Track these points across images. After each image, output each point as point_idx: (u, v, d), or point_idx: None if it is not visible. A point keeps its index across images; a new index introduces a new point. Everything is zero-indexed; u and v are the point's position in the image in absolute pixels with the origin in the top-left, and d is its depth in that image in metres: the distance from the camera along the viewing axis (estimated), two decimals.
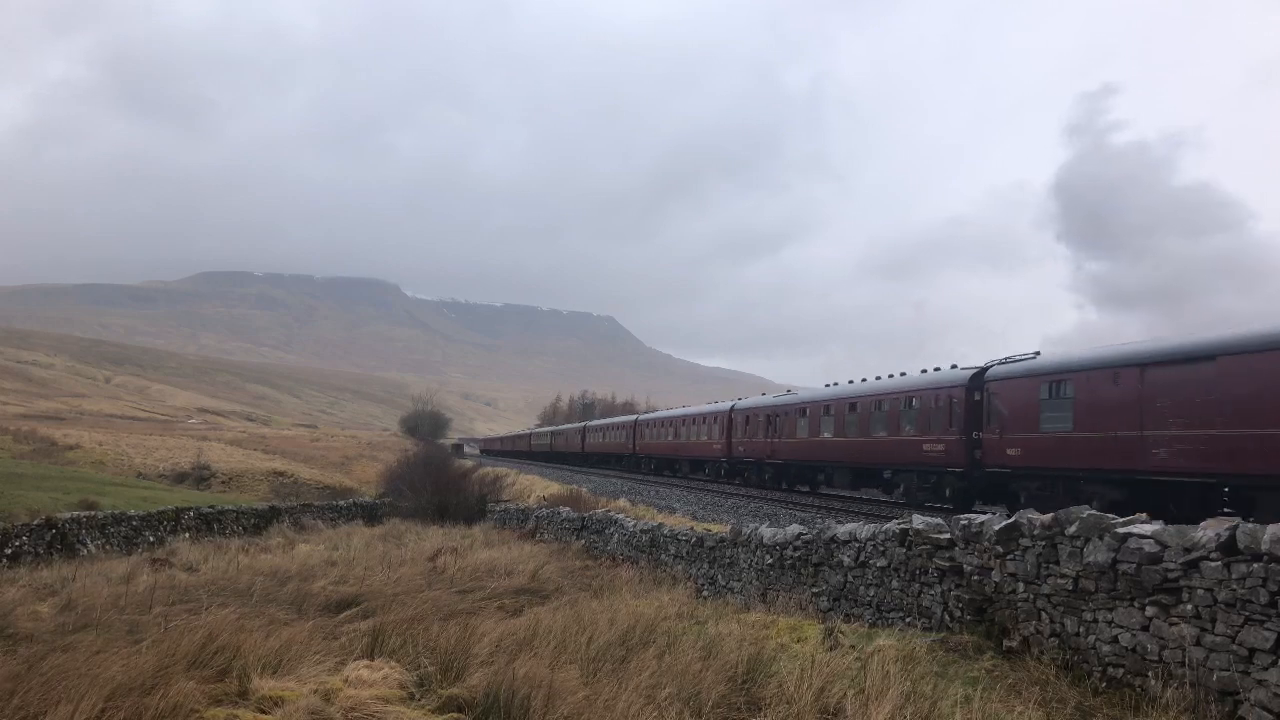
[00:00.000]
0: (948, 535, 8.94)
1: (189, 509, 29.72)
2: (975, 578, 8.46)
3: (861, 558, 10.34)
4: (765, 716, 5.99)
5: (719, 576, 14.37)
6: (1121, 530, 6.83)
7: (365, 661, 6.87)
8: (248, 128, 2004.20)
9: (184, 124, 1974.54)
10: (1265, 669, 5.62)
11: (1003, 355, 23.46)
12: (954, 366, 25.52)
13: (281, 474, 60.51)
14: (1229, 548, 5.92)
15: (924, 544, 9.20)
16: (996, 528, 8.16)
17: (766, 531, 13.05)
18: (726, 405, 42.57)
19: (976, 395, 22.93)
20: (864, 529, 10.48)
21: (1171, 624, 6.32)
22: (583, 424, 76.74)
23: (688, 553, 15.87)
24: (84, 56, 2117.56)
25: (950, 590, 8.80)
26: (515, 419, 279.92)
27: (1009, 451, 21.24)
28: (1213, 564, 6.02)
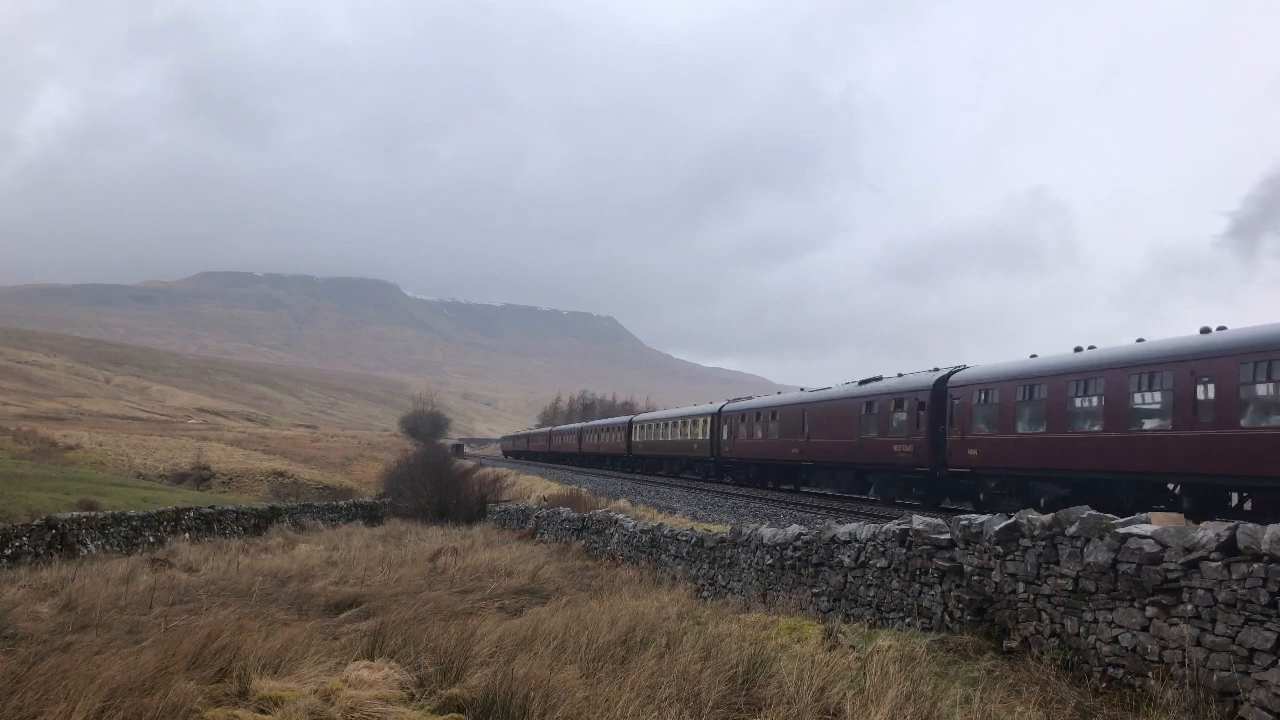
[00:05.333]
0: (948, 535, 8.94)
1: (189, 509, 29.72)
2: (975, 578, 8.46)
3: (862, 558, 10.33)
4: (765, 717, 5.99)
5: (719, 577, 14.37)
6: (1122, 530, 6.83)
7: (365, 662, 6.88)
8: (294, 138, 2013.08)
9: (232, 135, 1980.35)
10: (1265, 669, 5.62)
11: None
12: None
13: (281, 474, 60.54)
14: (1229, 548, 5.92)
15: (924, 544, 9.20)
16: (997, 528, 8.16)
17: (766, 532, 13.05)
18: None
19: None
20: (864, 529, 10.47)
21: (1172, 624, 6.32)
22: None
23: (688, 553, 15.87)
24: (152, 72, 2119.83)
25: (950, 590, 8.80)
26: (515, 419, 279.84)
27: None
28: (1213, 564, 6.02)
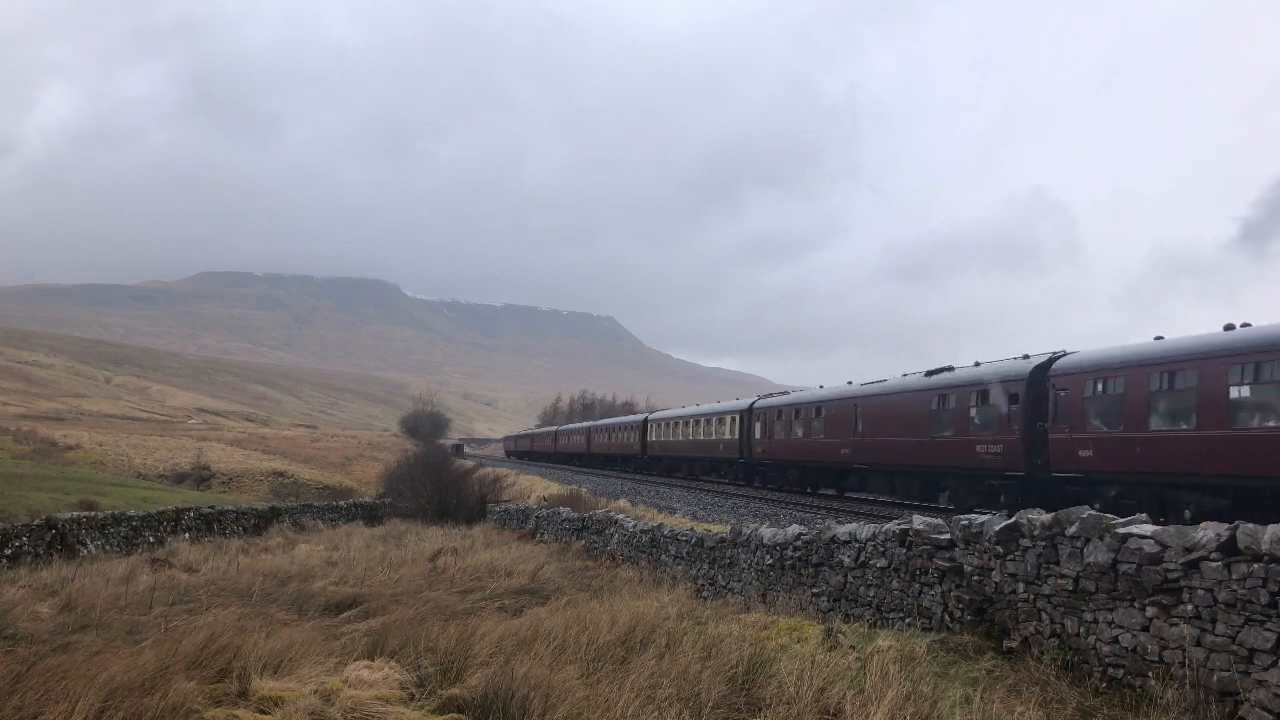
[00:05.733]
0: (948, 535, 8.94)
1: (189, 509, 29.71)
2: (975, 578, 8.46)
3: (861, 558, 10.33)
4: (765, 717, 5.99)
5: (719, 577, 14.37)
6: (1122, 530, 6.83)
7: (365, 662, 6.89)
8: (294, 138, 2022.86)
9: (233, 135, 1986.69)
10: (1265, 669, 5.62)
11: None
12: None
13: (281, 474, 60.52)
14: (1229, 548, 5.92)
15: (924, 544, 9.20)
16: (997, 528, 8.16)
17: (766, 532, 13.05)
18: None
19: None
20: (864, 529, 10.48)
21: (1172, 624, 6.32)
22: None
23: (688, 553, 15.87)
24: (153, 72, 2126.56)
25: (950, 590, 8.80)
26: (515, 419, 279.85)
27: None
28: (1213, 564, 6.01)
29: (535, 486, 45.16)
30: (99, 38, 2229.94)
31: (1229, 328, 16.65)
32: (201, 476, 55.76)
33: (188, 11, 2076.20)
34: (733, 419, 39.08)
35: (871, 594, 10.11)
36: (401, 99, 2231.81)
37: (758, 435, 36.05)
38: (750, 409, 37.37)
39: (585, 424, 78.15)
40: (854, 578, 10.47)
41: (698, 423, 44.23)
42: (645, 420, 54.97)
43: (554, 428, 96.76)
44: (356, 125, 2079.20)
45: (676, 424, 48.08)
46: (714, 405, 44.99)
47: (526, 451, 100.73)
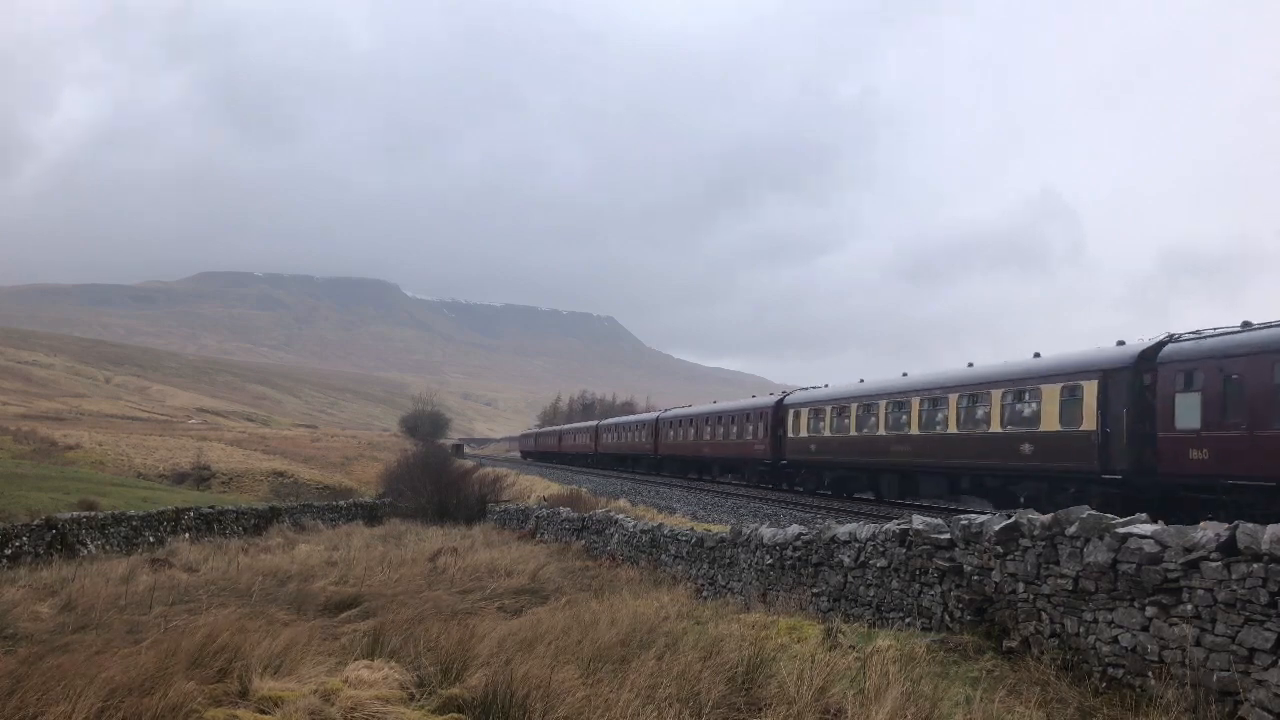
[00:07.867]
0: (948, 535, 8.94)
1: (189, 509, 29.71)
2: (975, 578, 8.46)
3: (861, 558, 10.33)
4: (765, 717, 5.99)
5: (719, 577, 14.38)
6: (1121, 530, 6.84)
7: (365, 662, 6.88)
8: (296, 139, 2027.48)
9: (234, 135, 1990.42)
10: (1265, 669, 5.62)
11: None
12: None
13: (281, 474, 60.46)
14: (1229, 548, 5.92)
15: (924, 544, 9.20)
16: (996, 528, 8.16)
17: (766, 532, 13.05)
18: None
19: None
20: (864, 529, 10.48)
21: (1172, 624, 6.32)
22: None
23: (688, 553, 15.88)
24: (161, 75, 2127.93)
25: (950, 590, 8.80)
26: (515, 419, 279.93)
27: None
28: (1213, 564, 6.02)
29: (535, 486, 45.17)
30: (116, 43, 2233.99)
31: None
32: (201, 476, 55.72)
33: (200, 14, 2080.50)
34: (1051, 392, 20.07)
35: (871, 594, 10.11)
36: (403, 100, 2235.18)
37: (1184, 420, 16.58)
38: (1136, 363, 18.09)
39: (651, 415, 56.48)
40: (854, 578, 10.47)
41: (934, 403, 24.51)
42: (779, 405, 34.61)
43: (593, 422, 73.41)
44: (359, 126, 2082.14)
45: (869, 408, 27.69)
46: (992, 367, 23.82)
47: (551, 452, 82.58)
